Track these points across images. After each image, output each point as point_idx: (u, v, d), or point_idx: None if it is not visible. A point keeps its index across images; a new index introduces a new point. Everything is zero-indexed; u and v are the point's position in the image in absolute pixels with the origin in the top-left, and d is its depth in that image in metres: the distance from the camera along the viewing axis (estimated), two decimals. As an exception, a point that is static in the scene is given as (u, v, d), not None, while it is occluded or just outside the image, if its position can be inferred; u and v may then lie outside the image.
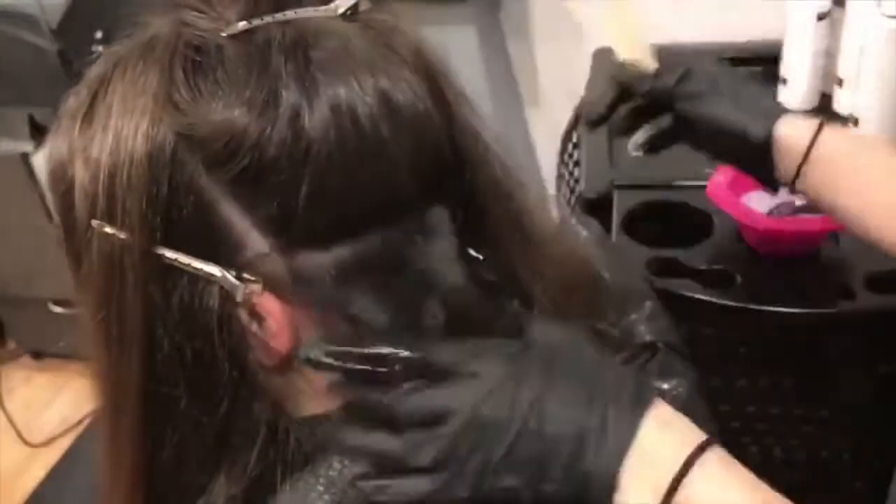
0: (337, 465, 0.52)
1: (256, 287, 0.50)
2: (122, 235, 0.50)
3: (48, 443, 2.05)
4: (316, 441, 0.54)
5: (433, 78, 0.52)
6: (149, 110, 0.49)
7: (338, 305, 0.50)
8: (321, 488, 0.52)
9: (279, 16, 0.50)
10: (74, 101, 0.53)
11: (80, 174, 0.51)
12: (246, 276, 0.50)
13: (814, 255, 1.09)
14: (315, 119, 0.47)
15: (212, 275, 0.50)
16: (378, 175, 0.49)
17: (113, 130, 0.50)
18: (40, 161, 1.73)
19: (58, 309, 2.05)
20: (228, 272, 0.50)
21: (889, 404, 1.10)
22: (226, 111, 0.47)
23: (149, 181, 0.49)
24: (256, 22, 0.50)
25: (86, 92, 0.53)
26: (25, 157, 1.82)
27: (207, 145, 0.48)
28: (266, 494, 0.53)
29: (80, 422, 2.01)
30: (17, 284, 2.10)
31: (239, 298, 0.50)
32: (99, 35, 1.64)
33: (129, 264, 0.50)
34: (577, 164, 1.43)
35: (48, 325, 2.10)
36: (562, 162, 1.53)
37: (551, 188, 1.57)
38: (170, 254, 0.50)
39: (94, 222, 0.50)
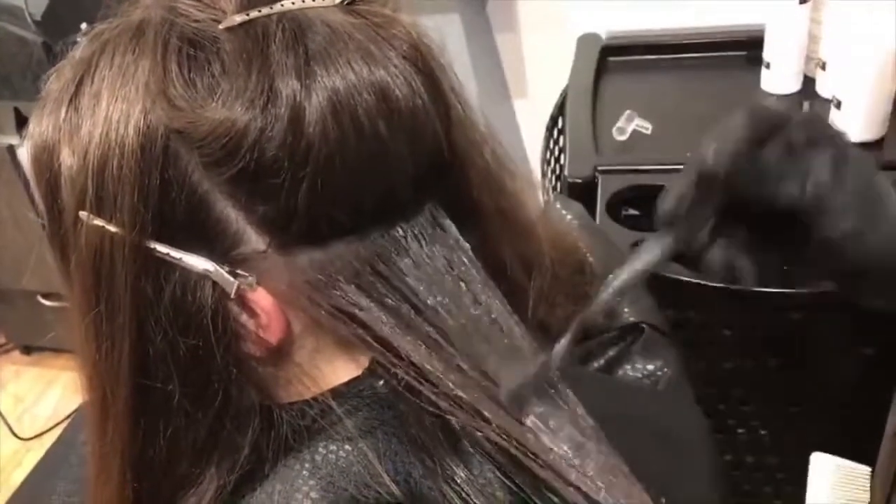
0: (322, 449, 0.52)
1: (251, 282, 0.49)
2: (113, 228, 0.48)
3: (39, 436, 2.05)
4: (302, 426, 0.53)
5: (430, 72, 0.50)
6: (140, 100, 0.47)
7: (332, 302, 0.49)
8: (306, 473, 0.52)
9: (277, 6, 0.48)
10: (57, 83, 0.51)
11: (67, 162, 0.49)
12: (240, 271, 0.49)
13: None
14: (315, 117, 0.45)
15: (205, 270, 0.49)
16: (376, 172, 0.48)
17: (102, 119, 0.48)
18: (26, 154, 1.71)
19: (47, 302, 2.05)
20: (222, 267, 0.49)
21: (874, 386, 1.11)
22: (225, 110, 0.46)
23: (140, 173, 0.47)
24: (254, 14, 0.47)
25: (70, 74, 0.51)
26: (11, 150, 1.81)
27: (206, 144, 0.46)
28: (254, 482, 0.53)
29: (70, 415, 2.02)
30: (6, 278, 2.09)
31: (233, 294, 0.49)
32: (84, 26, 1.62)
33: (120, 258, 0.48)
34: (562, 150, 1.44)
35: (38, 319, 2.10)
36: (547, 148, 1.53)
37: (538, 175, 1.58)
38: (162, 248, 0.48)
39: (83, 214, 0.49)
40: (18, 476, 1.98)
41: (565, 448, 0.50)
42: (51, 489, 0.77)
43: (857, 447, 1.15)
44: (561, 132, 1.47)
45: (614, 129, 1.33)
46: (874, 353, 1.10)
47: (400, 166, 0.48)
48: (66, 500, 0.75)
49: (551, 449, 0.50)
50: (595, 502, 0.49)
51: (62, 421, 2.05)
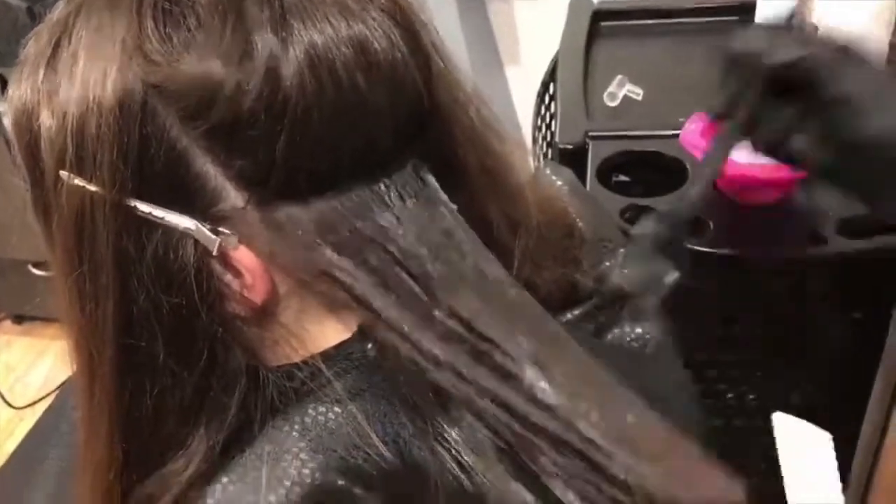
0: (311, 411, 0.52)
1: (232, 240, 0.49)
2: (93, 187, 0.48)
3: (32, 405, 2.06)
4: (291, 388, 0.53)
5: (409, 25, 0.50)
6: (117, 59, 0.47)
7: (313, 260, 0.49)
8: (296, 434, 0.52)
9: None
10: (35, 45, 0.51)
11: (47, 123, 0.49)
12: (222, 229, 0.49)
13: (787, 202, 1.10)
14: (291, 70, 0.45)
15: (187, 228, 0.49)
16: (355, 127, 0.48)
17: (80, 79, 0.48)
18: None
19: (38, 271, 2.04)
20: (203, 225, 0.49)
21: (862, 349, 1.12)
22: (200, 63, 0.46)
23: (119, 131, 0.47)
24: None
25: (47, 36, 0.51)
26: (-2, 118, 1.79)
27: (182, 98, 0.46)
28: (242, 443, 0.53)
29: (63, 384, 2.02)
30: (-4, 246, 2.08)
31: (214, 252, 0.49)
32: (69, -7, 1.61)
33: (101, 217, 0.49)
34: (553, 116, 1.43)
35: (29, 288, 2.10)
36: (538, 114, 1.53)
37: (529, 142, 1.58)
38: (143, 206, 0.48)
39: (63, 174, 0.49)
40: (11, 445, 1.99)
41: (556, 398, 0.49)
42: (43, 456, 0.78)
43: (844, 409, 1.16)
44: (552, 98, 1.46)
45: (605, 95, 1.33)
46: (862, 316, 1.11)
47: (379, 120, 0.48)
48: (59, 464, 0.76)
49: (540, 407, 0.49)
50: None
51: (54, 390, 2.06)
